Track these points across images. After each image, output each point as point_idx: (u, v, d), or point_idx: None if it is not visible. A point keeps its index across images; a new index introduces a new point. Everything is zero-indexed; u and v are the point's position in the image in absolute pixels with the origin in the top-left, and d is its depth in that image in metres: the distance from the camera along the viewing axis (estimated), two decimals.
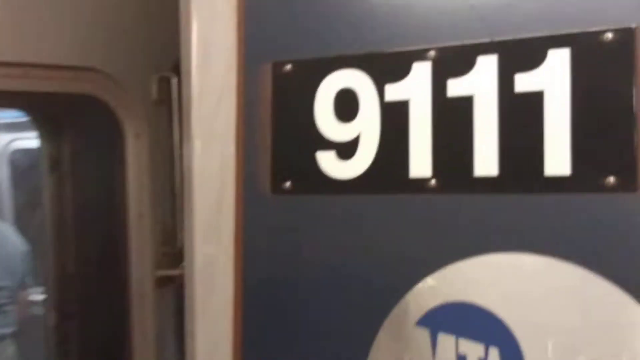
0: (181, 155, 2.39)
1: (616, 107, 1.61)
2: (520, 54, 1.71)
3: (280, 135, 2.00)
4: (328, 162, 1.92)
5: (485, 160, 1.73)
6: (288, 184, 1.98)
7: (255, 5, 2.06)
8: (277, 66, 2.00)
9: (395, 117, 1.84)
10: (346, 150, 1.90)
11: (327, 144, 1.93)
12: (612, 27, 1.62)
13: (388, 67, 1.86)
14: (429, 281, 1.79)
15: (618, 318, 1.60)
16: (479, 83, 1.75)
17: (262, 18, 2.05)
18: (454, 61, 1.78)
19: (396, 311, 1.83)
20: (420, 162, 1.81)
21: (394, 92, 1.85)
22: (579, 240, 1.64)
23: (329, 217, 1.94)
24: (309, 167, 1.95)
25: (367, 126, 1.87)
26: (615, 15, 1.62)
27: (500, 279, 1.72)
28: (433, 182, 1.79)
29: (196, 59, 2.12)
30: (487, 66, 1.74)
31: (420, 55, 1.82)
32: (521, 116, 1.70)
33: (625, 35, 1.60)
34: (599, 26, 1.63)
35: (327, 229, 1.94)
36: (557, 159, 1.66)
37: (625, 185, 1.59)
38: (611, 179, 1.61)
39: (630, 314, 1.58)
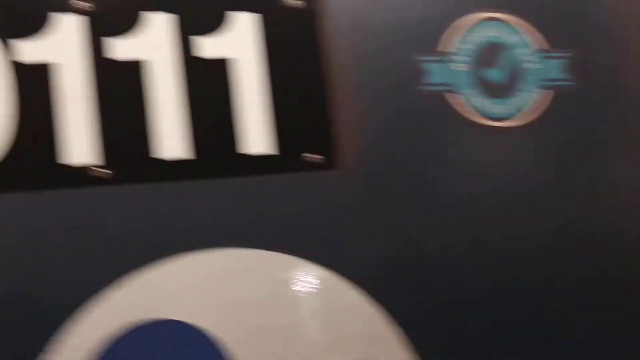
0: None
1: (306, 78, 1.51)
2: (199, 15, 1.45)
3: None
4: None
5: (171, 139, 1.39)
6: None
7: None
8: None
9: (34, 84, 1.33)
10: None
11: None
12: None
13: (11, 18, 1.33)
14: (107, 299, 1.33)
15: (327, 298, 1.48)
16: (149, 45, 1.40)
17: None
18: (109, 16, 1.39)
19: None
20: (82, 145, 1.34)
21: (30, 51, 1.33)
22: (283, 225, 1.47)
23: None
24: None
25: None
26: None
27: (203, 282, 1.39)
28: (102, 170, 1.35)
29: None
30: (158, 26, 1.42)
31: (61, 6, 1.36)
32: (208, 86, 1.44)
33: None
34: None
35: None
36: (256, 136, 1.45)
37: (325, 161, 1.50)
38: (311, 156, 1.49)
39: (338, 295, 1.48)
